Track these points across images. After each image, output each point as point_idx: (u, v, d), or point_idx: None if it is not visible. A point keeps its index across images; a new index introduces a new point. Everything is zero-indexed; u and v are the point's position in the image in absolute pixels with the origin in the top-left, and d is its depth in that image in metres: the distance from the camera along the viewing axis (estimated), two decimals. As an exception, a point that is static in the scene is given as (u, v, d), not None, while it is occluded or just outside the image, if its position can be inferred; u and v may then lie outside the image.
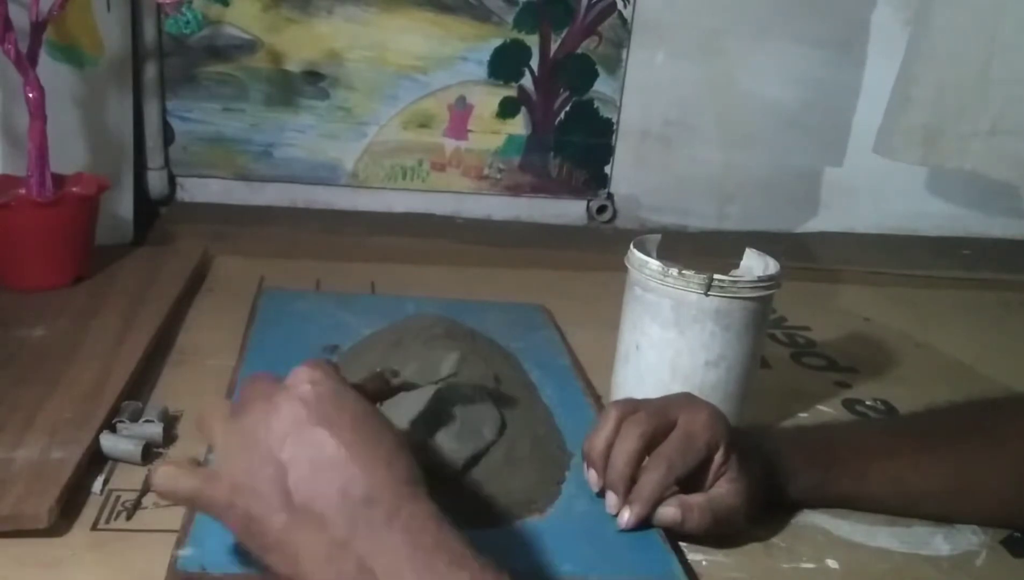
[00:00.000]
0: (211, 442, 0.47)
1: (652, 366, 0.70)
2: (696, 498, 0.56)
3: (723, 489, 0.57)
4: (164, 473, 0.46)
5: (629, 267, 0.70)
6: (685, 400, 0.60)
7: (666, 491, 0.56)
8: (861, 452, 0.63)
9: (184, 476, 0.45)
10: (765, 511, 0.60)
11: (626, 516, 0.56)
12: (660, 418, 0.58)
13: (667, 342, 0.68)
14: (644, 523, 0.56)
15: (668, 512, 0.56)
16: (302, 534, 0.42)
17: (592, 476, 0.59)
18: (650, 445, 0.57)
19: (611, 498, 0.57)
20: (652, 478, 0.56)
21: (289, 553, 0.42)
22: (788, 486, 0.61)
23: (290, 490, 0.42)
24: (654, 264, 0.68)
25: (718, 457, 0.57)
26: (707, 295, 0.66)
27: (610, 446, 0.57)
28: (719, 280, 0.66)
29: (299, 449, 0.43)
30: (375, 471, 0.43)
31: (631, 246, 0.71)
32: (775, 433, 0.66)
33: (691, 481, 0.57)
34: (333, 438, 0.43)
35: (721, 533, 0.57)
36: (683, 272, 0.66)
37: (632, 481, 0.57)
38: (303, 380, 0.46)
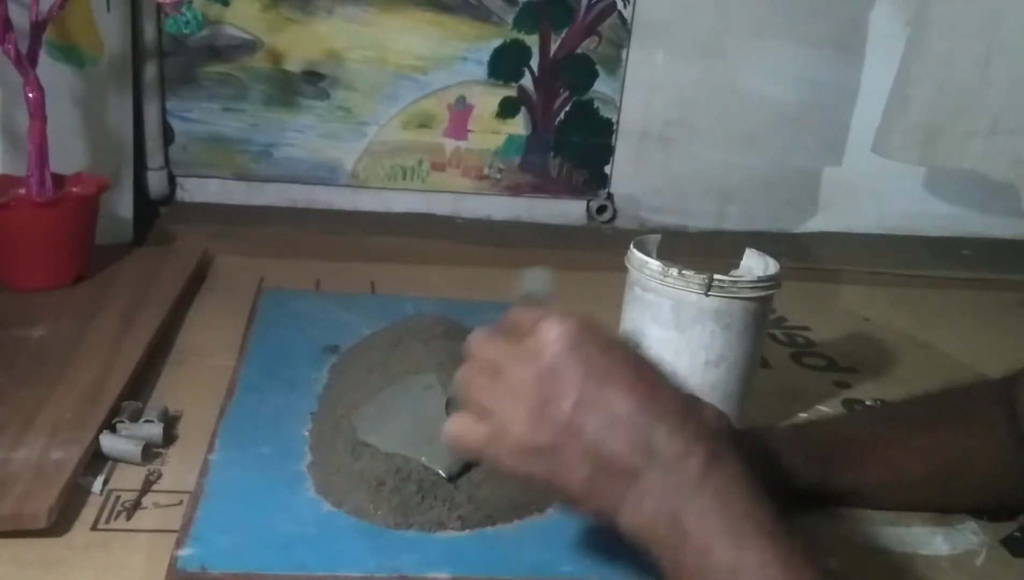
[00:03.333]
0: (475, 392, 0.46)
1: None
2: None
3: None
4: (455, 425, 0.46)
5: (629, 267, 0.70)
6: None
7: None
8: (856, 444, 0.63)
9: (473, 428, 0.46)
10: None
11: None
12: None
13: (667, 342, 0.68)
14: None
15: None
16: (608, 487, 0.43)
17: None
18: None
19: None
20: None
21: (598, 503, 0.44)
22: (789, 484, 0.61)
23: (588, 451, 0.42)
24: (654, 264, 0.68)
25: None
26: (707, 295, 0.66)
27: None
28: (719, 280, 0.66)
29: (591, 411, 0.43)
30: (679, 425, 0.43)
31: (631, 246, 0.71)
32: (773, 433, 0.66)
33: None
34: (623, 394, 0.43)
35: None
36: (683, 272, 0.66)
37: None
38: (567, 336, 0.44)
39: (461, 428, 0.47)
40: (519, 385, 0.44)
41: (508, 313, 0.49)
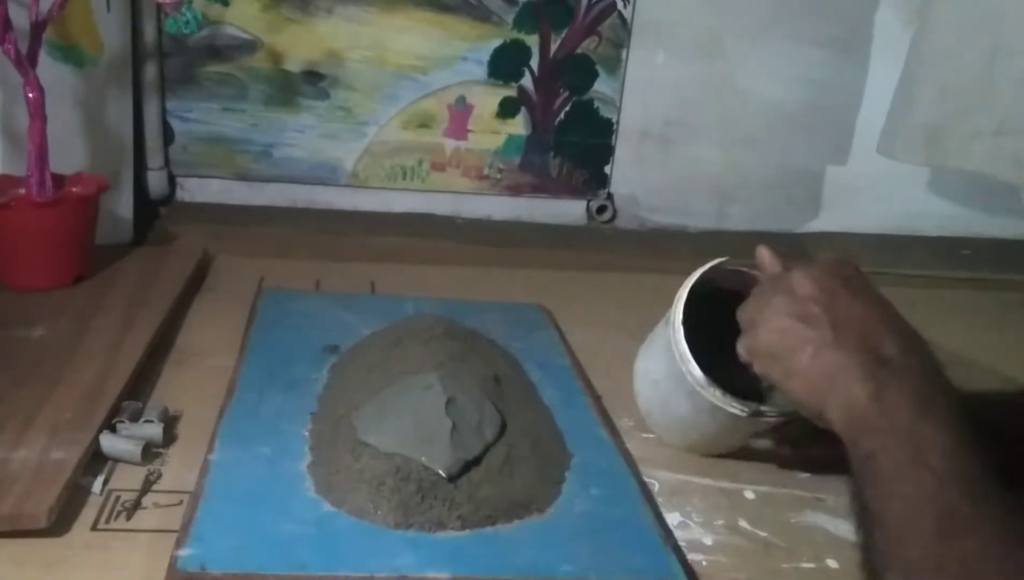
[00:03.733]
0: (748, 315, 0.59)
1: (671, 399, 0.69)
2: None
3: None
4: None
5: (669, 328, 0.67)
6: None
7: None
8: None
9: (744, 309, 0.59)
10: None
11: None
12: None
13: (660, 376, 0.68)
14: None
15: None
16: (829, 362, 0.53)
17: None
18: None
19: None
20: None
21: (815, 377, 0.54)
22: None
23: (826, 332, 0.54)
24: (698, 373, 0.64)
25: None
26: (746, 417, 0.64)
27: None
28: (765, 410, 0.63)
29: (834, 309, 0.55)
30: (908, 338, 0.55)
31: (675, 300, 0.67)
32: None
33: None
34: (860, 302, 0.56)
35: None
36: (726, 395, 0.63)
37: None
38: (810, 279, 0.56)
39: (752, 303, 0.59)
40: (780, 300, 0.56)
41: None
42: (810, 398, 0.54)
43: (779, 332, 0.56)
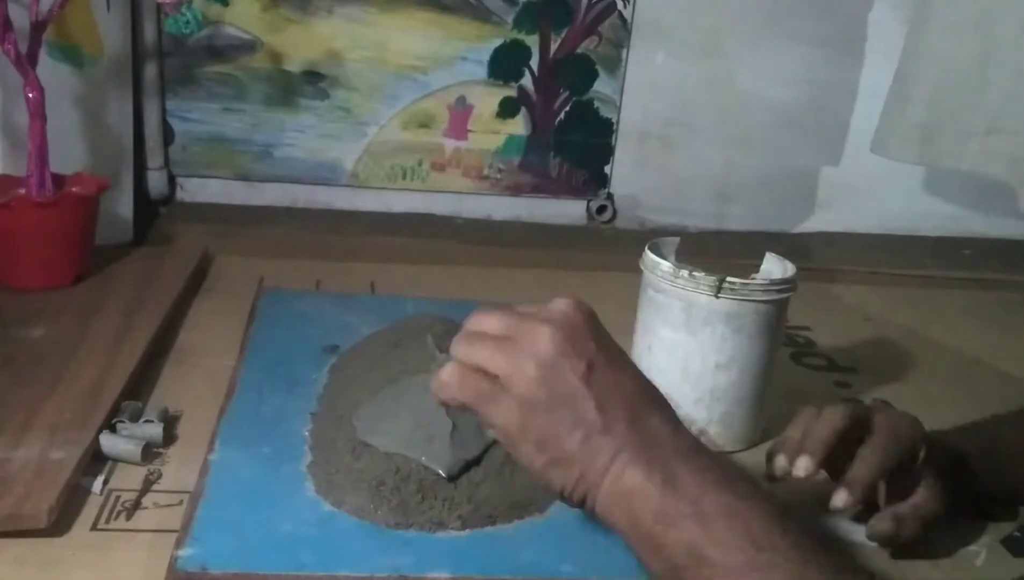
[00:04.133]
0: (482, 352, 0.47)
1: (663, 368, 0.69)
2: (904, 508, 0.57)
3: (925, 494, 0.58)
4: (451, 370, 0.46)
5: (643, 269, 0.70)
6: (881, 404, 0.64)
7: (878, 480, 0.57)
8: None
9: (470, 378, 0.46)
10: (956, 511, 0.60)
11: (842, 497, 0.55)
12: (859, 409, 0.59)
13: (677, 344, 0.68)
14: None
15: (884, 527, 0.57)
16: (600, 453, 0.44)
17: (780, 461, 0.57)
18: (847, 438, 0.58)
19: (803, 461, 0.56)
20: (868, 465, 0.56)
21: (581, 470, 0.44)
22: (973, 485, 0.61)
23: (592, 414, 0.44)
24: (665, 265, 0.68)
25: (920, 461, 0.58)
26: (717, 297, 0.66)
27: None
28: (730, 283, 0.65)
29: (600, 381, 0.45)
30: (671, 413, 0.46)
31: (646, 248, 0.71)
32: (961, 434, 0.65)
33: (890, 487, 0.59)
34: (627, 377, 0.46)
35: (924, 538, 0.58)
36: (694, 274, 0.66)
37: (830, 453, 0.57)
38: (581, 311, 0.47)
39: (463, 373, 0.46)
40: (533, 342, 0.45)
41: (502, 308, 0.50)
42: (577, 489, 0.45)
43: (539, 412, 0.45)
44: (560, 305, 0.47)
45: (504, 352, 0.46)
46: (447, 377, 0.47)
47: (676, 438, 0.45)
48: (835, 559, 0.42)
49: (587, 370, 0.45)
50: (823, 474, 0.58)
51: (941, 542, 0.60)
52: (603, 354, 0.46)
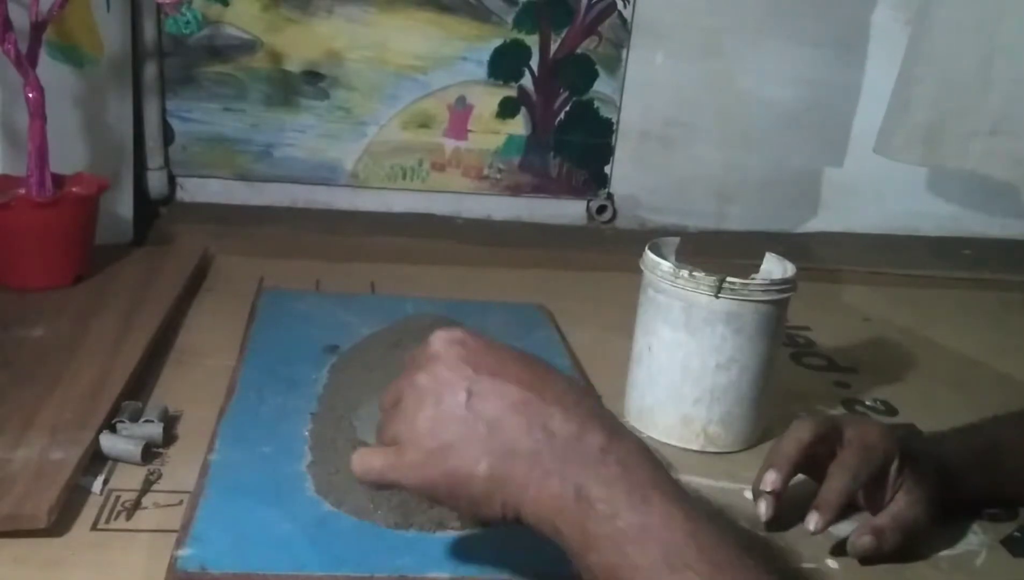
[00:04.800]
0: (385, 429, 0.47)
1: (663, 368, 0.70)
2: (882, 519, 0.57)
3: (903, 502, 0.57)
4: (355, 460, 0.46)
5: (643, 268, 0.70)
6: (851, 417, 0.64)
7: (849, 499, 0.57)
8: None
9: (376, 455, 0.46)
10: (943, 513, 0.60)
11: (814, 521, 0.55)
12: (828, 423, 0.59)
13: (677, 344, 0.68)
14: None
15: (864, 541, 0.56)
16: (511, 476, 0.42)
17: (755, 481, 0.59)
18: (817, 453, 0.58)
19: (770, 475, 0.57)
20: (836, 485, 0.56)
21: (501, 497, 0.43)
22: (958, 488, 0.61)
23: (487, 441, 0.42)
24: (666, 265, 0.68)
25: (894, 469, 0.57)
26: (717, 297, 0.66)
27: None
28: (730, 283, 0.65)
29: (484, 402, 0.43)
30: (574, 407, 0.43)
31: (646, 248, 0.71)
32: (941, 436, 0.66)
33: (867, 499, 0.59)
34: (514, 384, 0.44)
35: (910, 547, 0.58)
36: (694, 274, 0.66)
37: (796, 468, 0.58)
38: (451, 342, 0.46)
39: (363, 458, 0.46)
40: (414, 397, 0.45)
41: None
42: (507, 514, 0.44)
43: (438, 461, 0.44)
44: (433, 344, 0.46)
45: (395, 417, 0.46)
46: (357, 466, 0.46)
47: (582, 440, 0.42)
48: (753, 575, 0.40)
49: (467, 397, 0.44)
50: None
51: (938, 542, 0.60)
52: (483, 372, 0.44)
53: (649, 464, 0.43)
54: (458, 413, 0.43)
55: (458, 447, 0.43)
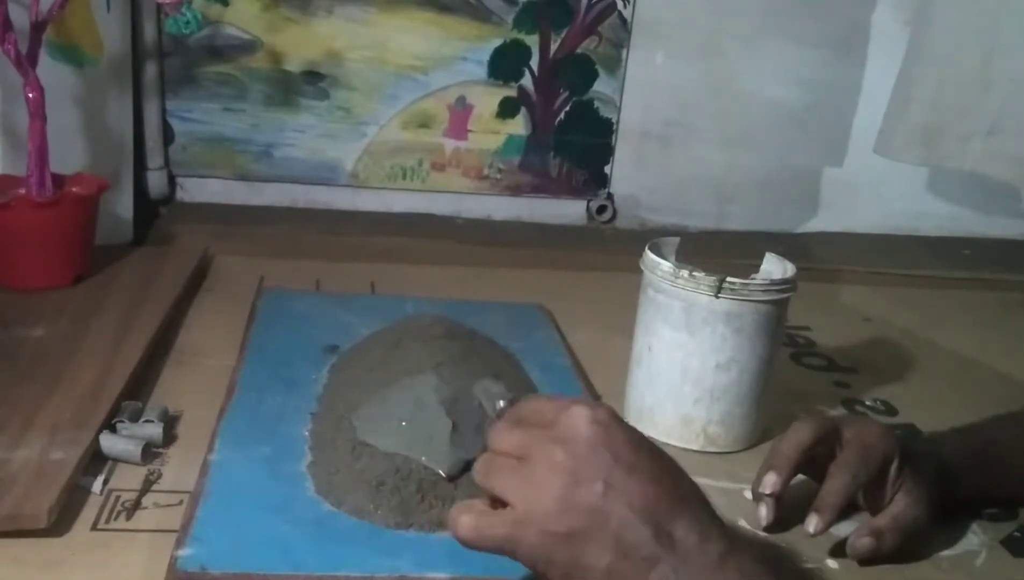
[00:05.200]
0: (495, 477, 0.45)
1: (663, 368, 0.70)
2: (882, 520, 0.57)
3: (903, 503, 0.58)
4: (467, 523, 0.44)
5: (643, 269, 0.70)
6: (851, 418, 0.64)
7: (848, 500, 0.57)
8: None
9: (491, 522, 0.44)
10: (942, 514, 0.60)
11: (814, 523, 0.56)
12: (827, 424, 0.59)
13: (678, 344, 0.68)
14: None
15: (863, 543, 0.56)
16: (630, 575, 0.41)
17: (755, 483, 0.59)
18: (817, 453, 0.58)
19: (770, 477, 0.58)
20: (836, 486, 0.56)
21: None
22: (958, 488, 0.61)
23: (614, 538, 0.42)
24: (666, 265, 0.68)
25: (893, 470, 0.57)
26: (717, 297, 0.66)
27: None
28: (730, 283, 0.65)
29: (619, 497, 0.42)
30: (700, 513, 0.43)
31: (646, 248, 0.71)
32: (940, 436, 0.66)
33: (867, 499, 0.59)
34: (650, 483, 0.43)
35: (910, 547, 0.58)
36: (694, 274, 0.66)
37: (796, 469, 0.58)
38: (596, 422, 0.44)
39: (479, 522, 0.44)
40: (547, 469, 0.43)
41: (523, 404, 0.48)
42: None
43: (561, 544, 0.42)
44: (574, 418, 0.44)
45: (518, 479, 0.44)
46: (467, 525, 0.44)
47: (703, 548, 0.42)
48: None
49: (604, 489, 0.42)
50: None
51: (938, 542, 0.60)
52: (621, 464, 0.43)
53: (764, 571, 0.43)
54: (593, 503, 0.42)
55: (585, 537, 0.42)
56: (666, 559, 0.41)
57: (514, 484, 0.44)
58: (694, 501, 0.44)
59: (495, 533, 0.44)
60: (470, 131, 1.21)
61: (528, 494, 0.43)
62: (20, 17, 0.82)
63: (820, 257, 1.22)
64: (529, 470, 0.44)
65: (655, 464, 0.44)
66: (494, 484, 0.45)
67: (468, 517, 0.44)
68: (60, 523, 0.53)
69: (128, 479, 0.59)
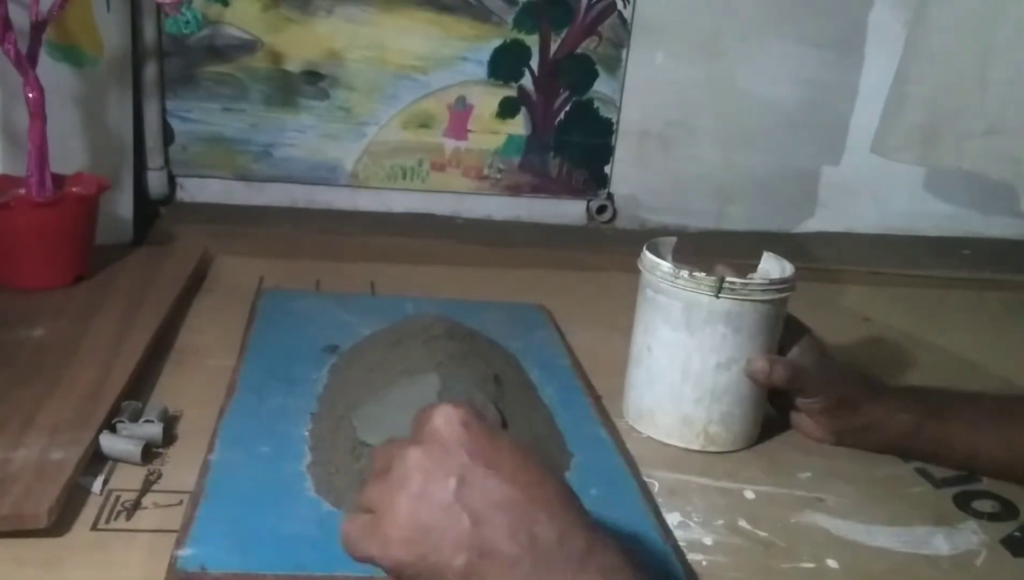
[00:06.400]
0: (365, 492, 0.44)
1: (663, 368, 0.70)
2: (779, 357, 0.69)
3: (797, 351, 0.70)
4: (341, 532, 0.44)
5: (641, 269, 0.70)
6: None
7: (792, 372, 0.69)
8: (976, 406, 0.70)
9: (358, 529, 0.43)
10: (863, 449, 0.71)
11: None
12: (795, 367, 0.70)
13: (678, 344, 0.68)
14: None
15: (757, 364, 0.68)
16: (488, 575, 0.41)
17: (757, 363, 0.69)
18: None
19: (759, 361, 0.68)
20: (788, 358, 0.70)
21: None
22: (891, 419, 0.70)
23: (468, 535, 0.41)
24: (665, 266, 0.68)
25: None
26: (717, 297, 0.66)
27: None
28: (730, 283, 0.66)
29: (472, 493, 0.42)
30: (561, 512, 0.42)
31: (644, 248, 0.71)
32: (908, 390, 0.76)
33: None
34: (507, 481, 0.42)
35: (796, 387, 0.70)
36: (694, 274, 0.66)
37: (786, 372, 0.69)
38: (454, 421, 0.44)
39: (348, 528, 0.44)
40: (404, 470, 0.43)
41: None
42: None
43: (415, 544, 0.42)
44: (434, 419, 0.44)
45: (377, 486, 0.43)
46: (342, 532, 0.44)
47: (562, 546, 0.41)
48: None
49: (458, 485, 0.42)
50: None
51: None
52: (479, 462, 0.42)
53: (629, 572, 0.42)
54: (446, 499, 0.41)
55: (437, 535, 0.41)
56: (525, 558, 0.41)
57: (376, 490, 0.44)
58: (557, 500, 0.43)
59: (360, 539, 0.43)
60: (470, 131, 1.21)
61: (385, 497, 0.43)
62: (20, 17, 0.82)
63: (820, 257, 1.22)
64: (389, 475, 0.43)
65: (515, 463, 0.43)
66: (364, 496, 0.45)
67: (343, 525, 0.44)
68: (60, 523, 0.53)
69: (128, 479, 0.59)
